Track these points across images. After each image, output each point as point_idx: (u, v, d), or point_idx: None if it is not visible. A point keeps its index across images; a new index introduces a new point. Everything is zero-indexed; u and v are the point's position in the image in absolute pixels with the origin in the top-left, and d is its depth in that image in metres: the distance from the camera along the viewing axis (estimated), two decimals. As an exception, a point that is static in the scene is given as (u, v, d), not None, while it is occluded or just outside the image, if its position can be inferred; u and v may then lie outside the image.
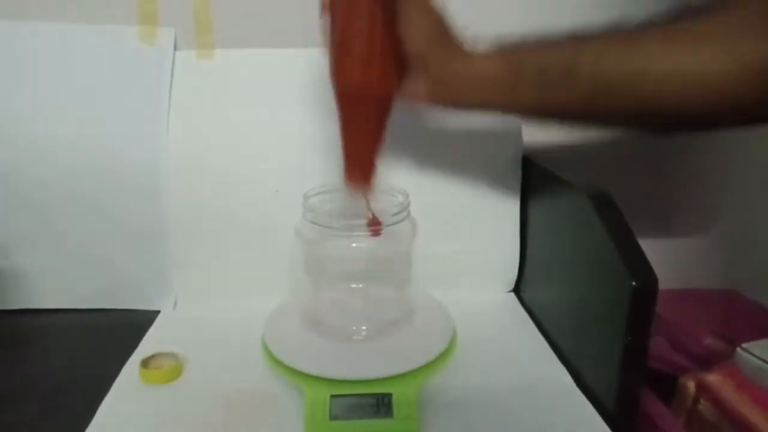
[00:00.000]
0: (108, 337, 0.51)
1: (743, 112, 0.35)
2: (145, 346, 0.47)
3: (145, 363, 0.44)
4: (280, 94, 0.55)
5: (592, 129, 0.40)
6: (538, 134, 0.60)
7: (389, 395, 0.38)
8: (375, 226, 0.43)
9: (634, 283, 0.36)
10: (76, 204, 0.54)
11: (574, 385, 0.43)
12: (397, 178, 0.53)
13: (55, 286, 0.56)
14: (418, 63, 0.40)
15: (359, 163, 0.44)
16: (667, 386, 0.46)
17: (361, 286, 0.49)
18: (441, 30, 0.41)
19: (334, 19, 0.41)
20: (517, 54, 0.39)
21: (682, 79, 0.34)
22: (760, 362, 0.44)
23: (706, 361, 0.47)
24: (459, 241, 0.56)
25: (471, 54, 0.40)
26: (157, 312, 0.54)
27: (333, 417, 0.38)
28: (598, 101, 0.37)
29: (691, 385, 0.44)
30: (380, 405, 0.38)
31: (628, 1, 0.54)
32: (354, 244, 0.44)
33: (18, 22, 0.54)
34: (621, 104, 0.36)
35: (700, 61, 0.34)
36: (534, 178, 0.55)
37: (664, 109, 0.36)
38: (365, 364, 0.41)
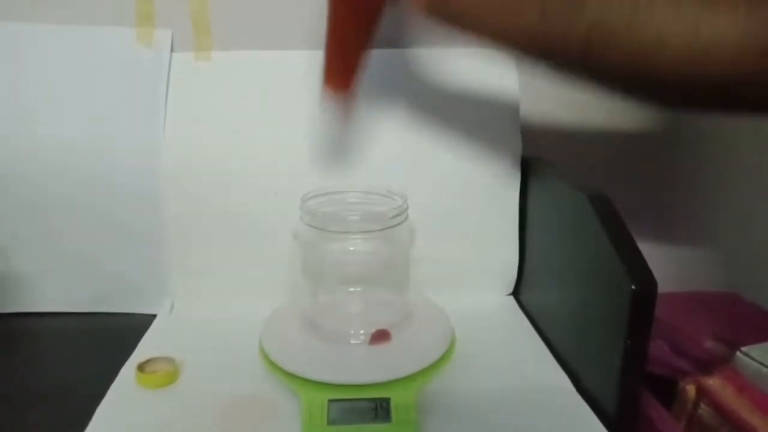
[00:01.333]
0: (105, 341, 0.51)
1: (749, 89, 0.33)
2: (142, 350, 0.47)
3: (141, 367, 0.43)
4: (277, 96, 0.55)
5: (587, 82, 0.39)
6: (538, 137, 0.60)
7: (387, 400, 0.38)
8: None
9: (633, 287, 0.36)
10: (72, 207, 0.54)
11: (573, 389, 0.42)
12: (396, 180, 0.53)
13: (52, 290, 0.56)
14: None
15: (341, 62, 0.42)
16: (667, 390, 0.46)
17: (359, 289, 0.48)
18: None
19: None
20: None
21: (684, 39, 0.33)
22: (760, 366, 0.43)
23: (707, 365, 0.47)
24: (458, 244, 0.56)
25: None
26: (154, 316, 0.53)
27: (331, 422, 0.37)
28: (596, 44, 0.35)
29: (691, 389, 0.44)
30: (378, 409, 0.38)
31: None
32: (352, 247, 0.45)
33: (14, 23, 0.54)
34: (619, 53, 0.35)
35: (706, 24, 0.33)
36: (533, 181, 0.55)
37: (664, 70, 0.34)
38: (363, 368, 0.41)
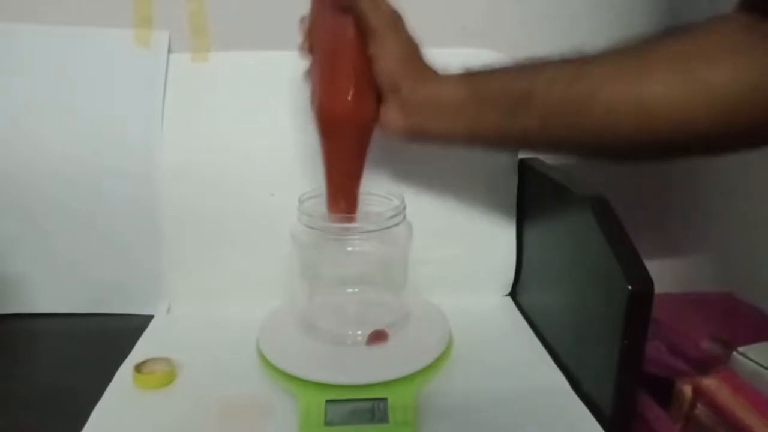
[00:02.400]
0: (101, 342, 0.51)
1: (701, 141, 0.35)
2: (139, 351, 0.47)
3: (138, 368, 0.43)
4: (274, 96, 0.55)
5: (556, 156, 0.42)
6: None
7: (384, 400, 0.38)
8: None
9: (630, 287, 0.36)
10: (68, 208, 0.54)
11: (570, 389, 0.43)
12: (394, 181, 0.53)
13: (48, 291, 0.55)
14: (391, 88, 0.43)
15: (342, 192, 0.46)
16: (664, 390, 0.46)
17: (356, 290, 0.48)
18: (412, 55, 0.43)
19: (314, 56, 0.45)
20: (479, 79, 0.42)
21: (628, 106, 0.35)
22: (757, 366, 0.44)
23: (704, 365, 0.47)
24: (455, 245, 0.56)
25: (439, 78, 0.43)
26: (151, 317, 0.53)
27: (328, 422, 0.37)
28: (554, 126, 0.38)
29: (687, 390, 0.44)
30: (376, 410, 0.38)
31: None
32: (349, 248, 0.44)
33: (12, 25, 0.54)
34: (575, 130, 0.38)
35: (647, 90, 0.35)
36: (530, 182, 0.55)
37: (620, 137, 0.37)
38: (361, 368, 0.41)
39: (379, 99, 0.44)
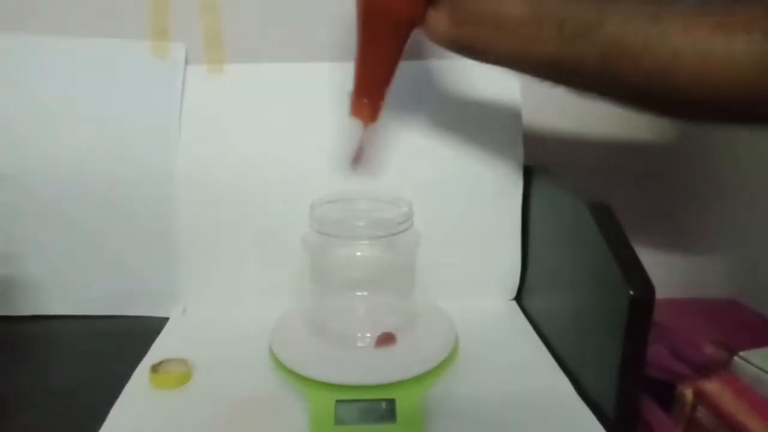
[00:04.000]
0: (118, 343, 0.52)
1: (761, 106, 0.34)
2: (155, 352, 0.48)
3: (154, 368, 0.44)
4: (287, 106, 0.56)
5: (604, 98, 0.40)
6: (540, 145, 0.61)
7: (393, 401, 0.39)
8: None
9: (631, 292, 0.36)
10: (87, 213, 0.55)
11: (575, 393, 0.43)
12: (402, 188, 0.54)
13: (66, 293, 0.56)
14: None
15: (368, 92, 0.45)
16: (667, 394, 0.47)
17: (365, 293, 0.49)
18: None
19: None
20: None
21: (697, 56, 0.34)
22: (758, 370, 0.44)
23: (707, 370, 0.47)
24: (462, 249, 0.57)
25: None
26: (167, 318, 0.54)
27: (338, 421, 0.38)
28: (614, 61, 0.36)
29: (689, 393, 0.44)
30: (384, 410, 0.39)
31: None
32: (359, 253, 0.45)
33: (33, 36, 0.56)
34: (635, 69, 0.36)
35: (718, 47, 0.33)
36: (535, 189, 0.56)
37: (676, 88, 0.35)
38: (370, 370, 0.42)
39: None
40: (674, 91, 0.36)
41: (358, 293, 0.49)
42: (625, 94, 0.39)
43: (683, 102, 0.37)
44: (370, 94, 0.45)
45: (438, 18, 0.41)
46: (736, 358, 0.46)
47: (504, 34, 0.39)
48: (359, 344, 0.44)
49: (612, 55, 0.36)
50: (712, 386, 0.44)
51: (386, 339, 0.44)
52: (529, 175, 0.57)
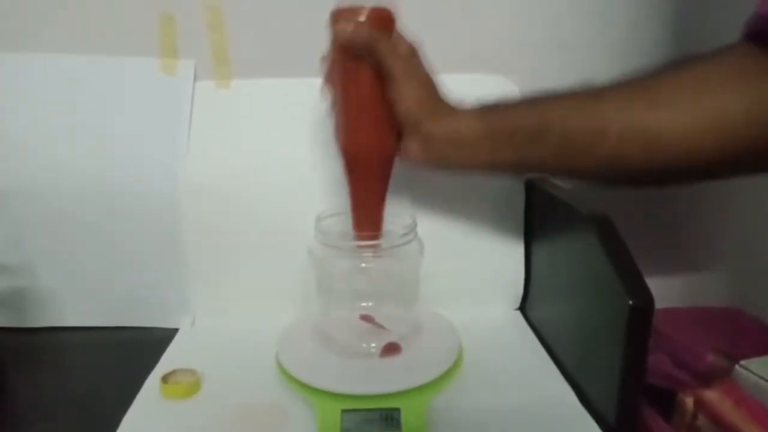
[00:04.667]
0: (129, 354, 0.53)
1: (710, 167, 0.36)
2: (165, 363, 0.49)
3: (165, 379, 0.45)
4: (293, 121, 0.57)
5: (572, 181, 0.43)
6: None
7: (398, 410, 0.40)
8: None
9: (631, 302, 0.37)
10: (97, 226, 0.56)
11: (577, 400, 0.43)
12: (405, 201, 0.54)
13: (77, 305, 0.57)
14: (411, 124, 0.44)
15: (368, 216, 0.48)
16: (668, 402, 0.47)
17: (370, 304, 0.50)
18: (430, 95, 0.45)
19: (336, 91, 0.46)
20: (494, 114, 0.43)
21: (639, 135, 0.36)
22: (759, 379, 0.44)
23: (708, 378, 0.48)
24: (466, 260, 0.57)
25: (456, 114, 0.44)
26: (176, 330, 0.55)
27: (344, 430, 0.39)
28: (568, 157, 0.40)
29: (689, 401, 0.45)
30: (389, 419, 0.39)
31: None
32: (363, 264, 0.46)
33: (51, 56, 0.57)
34: (588, 159, 0.39)
35: (656, 119, 0.36)
36: (537, 201, 0.57)
37: (632, 166, 0.38)
38: (375, 379, 0.42)
39: (400, 132, 0.46)
40: (629, 170, 0.39)
41: (363, 303, 0.49)
42: (587, 177, 0.43)
43: (639, 176, 0.39)
44: (369, 217, 0.48)
45: (410, 147, 0.45)
46: (737, 366, 0.46)
47: (467, 151, 0.43)
48: (364, 354, 0.45)
49: (564, 151, 0.40)
50: (713, 394, 0.44)
51: (391, 349, 0.45)
52: (530, 186, 0.58)
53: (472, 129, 0.43)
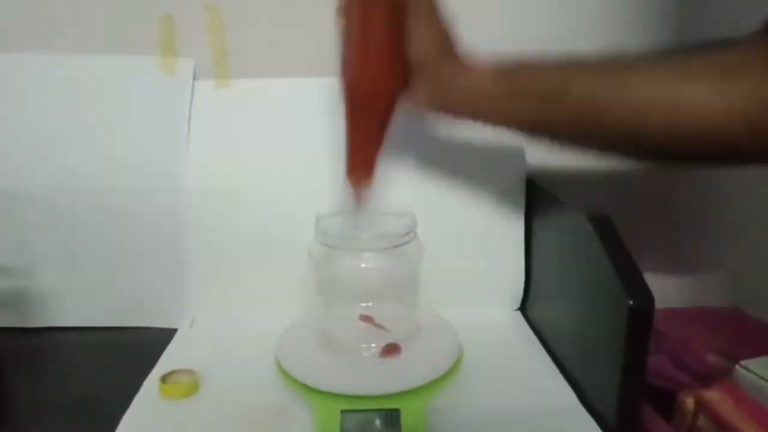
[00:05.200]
0: (128, 355, 0.53)
1: (734, 149, 0.36)
2: (164, 363, 0.48)
3: (164, 379, 0.45)
4: (293, 120, 0.57)
5: (582, 151, 0.41)
6: (542, 157, 0.62)
7: (397, 411, 0.40)
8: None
9: (631, 303, 0.37)
10: (97, 226, 0.56)
11: (578, 402, 0.43)
12: (405, 200, 0.54)
13: (76, 306, 0.57)
14: (421, 72, 0.43)
15: (360, 160, 0.46)
16: (669, 403, 0.47)
17: (370, 304, 0.49)
18: (445, 41, 0.43)
19: (349, 22, 0.44)
20: (512, 70, 0.41)
21: (662, 109, 0.35)
22: (759, 379, 0.44)
23: (708, 379, 0.47)
24: (466, 260, 0.57)
25: (470, 66, 0.42)
26: (175, 330, 0.55)
27: (344, 431, 0.39)
28: (585, 123, 0.38)
29: (689, 402, 0.45)
30: (389, 420, 0.39)
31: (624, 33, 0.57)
32: (363, 265, 0.46)
33: (46, 55, 0.57)
34: (605, 129, 0.38)
35: (683, 93, 0.35)
36: (537, 200, 0.57)
37: (650, 139, 0.37)
38: (374, 380, 0.42)
39: (409, 72, 0.44)
40: (647, 142, 0.37)
41: (363, 304, 0.49)
42: (601, 147, 0.41)
43: (657, 150, 0.38)
44: (363, 164, 0.47)
45: (417, 91, 0.44)
46: (737, 366, 0.46)
47: (478, 106, 0.42)
48: (364, 355, 0.45)
49: (582, 116, 0.38)
50: (713, 395, 0.44)
51: (391, 349, 0.45)
52: (531, 186, 0.58)
53: (485, 84, 0.41)
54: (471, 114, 0.43)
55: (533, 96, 0.40)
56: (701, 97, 0.34)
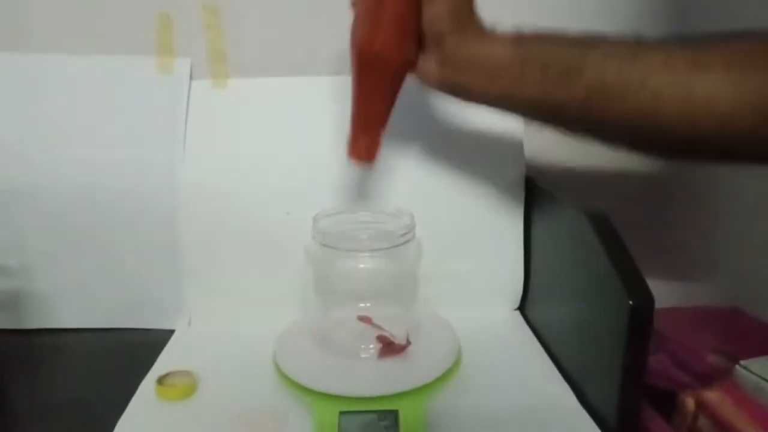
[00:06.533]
0: (125, 356, 0.52)
1: (746, 142, 0.35)
2: (161, 365, 0.48)
3: (160, 380, 0.45)
4: (290, 120, 0.57)
5: (590, 139, 0.41)
6: (542, 156, 0.62)
7: (396, 412, 0.39)
8: None
9: (631, 302, 0.37)
10: (94, 227, 0.56)
11: (576, 401, 0.43)
12: (403, 200, 0.54)
13: (73, 307, 0.57)
14: (435, 40, 0.42)
15: (366, 133, 0.46)
16: (669, 403, 0.47)
17: (368, 305, 0.49)
18: (464, 12, 0.41)
19: None
20: (527, 43, 0.40)
21: (677, 96, 0.35)
22: (759, 379, 0.44)
23: (708, 379, 0.47)
24: (465, 260, 0.57)
25: (487, 36, 0.41)
26: (172, 331, 0.55)
27: (342, 432, 0.38)
28: (597, 103, 0.37)
29: (690, 402, 0.45)
30: (388, 421, 0.39)
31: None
32: (361, 265, 0.46)
33: (47, 55, 0.57)
34: (617, 111, 0.37)
35: (699, 82, 0.34)
36: (536, 199, 0.57)
37: (662, 127, 0.36)
38: (373, 381, 0.42)
39: (420, 43, 0.43)
40: (658, 131, 0.37)
41: (361, 304, 0.49)
42: (610, 134, 0.40)
43: (668, 141, 0.37)
44: (367, 136, 0.46)
45: (429, 64, 0.43)
46: (737, 366, 0.46)
47: (490, 77, 0.40)
48: (363, 355, 0.45)
49: (595, 97, 0.37)
50: (713, 395, 0.44)
51: (390, 350, 0.44)
52: (530, 186, 0.58)
53: (500, 55, 0.40)
54: (481, 88, 0.41)
55: (548, 68, 0.38)
56: (716, 87, 0.34)
